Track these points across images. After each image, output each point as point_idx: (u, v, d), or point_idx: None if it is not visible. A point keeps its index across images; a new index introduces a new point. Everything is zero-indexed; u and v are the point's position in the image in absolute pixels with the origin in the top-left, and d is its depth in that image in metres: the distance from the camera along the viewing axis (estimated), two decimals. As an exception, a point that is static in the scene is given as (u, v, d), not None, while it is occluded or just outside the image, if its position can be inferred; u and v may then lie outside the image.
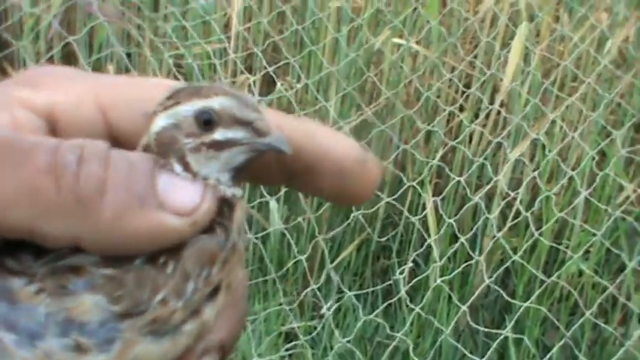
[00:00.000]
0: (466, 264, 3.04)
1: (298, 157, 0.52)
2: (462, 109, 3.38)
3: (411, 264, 3.02)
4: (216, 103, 0.51)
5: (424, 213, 3.04)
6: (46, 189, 0.46)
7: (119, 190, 0.47)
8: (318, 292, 3.05)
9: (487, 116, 3.31)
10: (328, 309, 3.00)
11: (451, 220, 2.98)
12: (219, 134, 0.51)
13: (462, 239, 3.00)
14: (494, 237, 3.07)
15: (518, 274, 3.13)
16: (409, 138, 3.38)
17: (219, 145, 0.51)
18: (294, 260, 3.04)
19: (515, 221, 3.01)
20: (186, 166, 0.50)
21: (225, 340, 0.53)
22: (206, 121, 0.51)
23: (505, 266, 2.98)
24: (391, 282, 3.08)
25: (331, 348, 2.94)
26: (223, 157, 0.51)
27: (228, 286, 0.51)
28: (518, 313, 2.78)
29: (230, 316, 0.53)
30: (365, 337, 3.09)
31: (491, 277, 2.91)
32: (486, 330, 2.92)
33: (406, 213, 3.20)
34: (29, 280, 0.48)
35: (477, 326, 2.87)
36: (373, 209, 3.22)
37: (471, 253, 3.02)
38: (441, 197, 3.11)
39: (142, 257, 0.49)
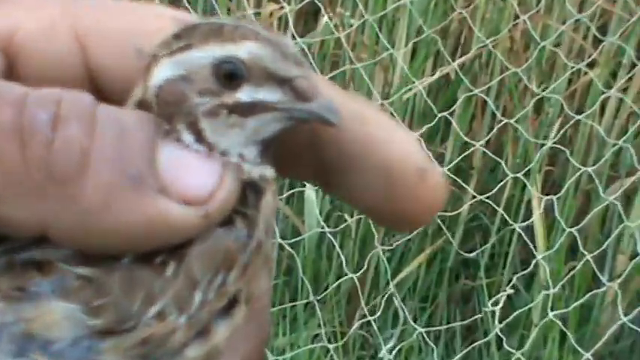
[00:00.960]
0: (589, 293, 2.76)
1: (338, 144, 0.49)
2: (592, 64, 3.04)
3: (509, 290, 2.73)
4: (243, 50, 0.46)
5: (530, 218, 2.82)
6: (8, 158, 0.43)
7: (107, 166, 0.44)
8: (373, 324, 2.79)
9: (631, 76, 2.99)
10: (389, 350, 2.71)
11: (573, 230, 2.72)
12: (245, 94, 0.47)
13: (588, 257, 2.69)
14: (633, 255, 2.79)
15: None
16: (511, 106, 3.05)
17: (245, 109, 0.47)
18: (345, 277, 2.80)
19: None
20: (199, 135, 0.47)
21: None
22: (229, 75, 0.47)
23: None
24: (480, 315, 2.81)
25: (386, 405, 2.83)
26: (250, 126, 0.47)
27: (249, 299, 0.48)
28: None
29: (249, 336, 0.49)
30: (435, 390, 3.02)
31: (627, 314, 2.61)
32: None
33: (502, 214, 2.93)
34: None
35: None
36: (455, 211, 2.90)
37: (599, 275, 2.70)
38: (555, 196, 2.82)
39: (132, 254, 0.46)
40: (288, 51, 0.47)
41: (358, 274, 2.80)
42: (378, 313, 2.78)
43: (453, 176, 2.89)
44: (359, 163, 0.48)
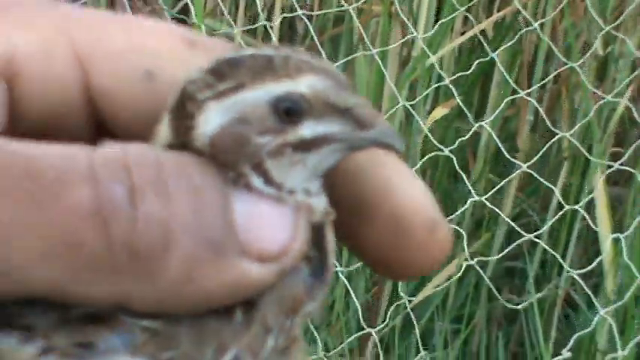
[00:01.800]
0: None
1: (351, 184, 0.51)
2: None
3: (567, 353, 2.27)
4: (303, 84, 0.47)
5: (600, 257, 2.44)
6: (90, 242, 0.43)
7: (189, 237, 0.45)
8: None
9: None
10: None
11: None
12: (308, 129, 0.48)
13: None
14: None
15: None
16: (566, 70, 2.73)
17: (308, 145, 0.48)
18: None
19: None
20: (266, 176, 0.47)
21: None
22: (288, 111, 0.47)
23: None
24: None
25: None
26: (311, 162, 0.48)
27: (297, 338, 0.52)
28: None
29: None
30: None
31: None
32: None
33: (556, 205, 2.66)
34: (25, 336, 0.45)
35: None
36: (494, 206, 2.52)
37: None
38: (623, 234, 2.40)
39: None
40: (342, 79, 0.48)
41: (369, 288, 2.52)
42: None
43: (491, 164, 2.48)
44: (370, 207, 0.50)
